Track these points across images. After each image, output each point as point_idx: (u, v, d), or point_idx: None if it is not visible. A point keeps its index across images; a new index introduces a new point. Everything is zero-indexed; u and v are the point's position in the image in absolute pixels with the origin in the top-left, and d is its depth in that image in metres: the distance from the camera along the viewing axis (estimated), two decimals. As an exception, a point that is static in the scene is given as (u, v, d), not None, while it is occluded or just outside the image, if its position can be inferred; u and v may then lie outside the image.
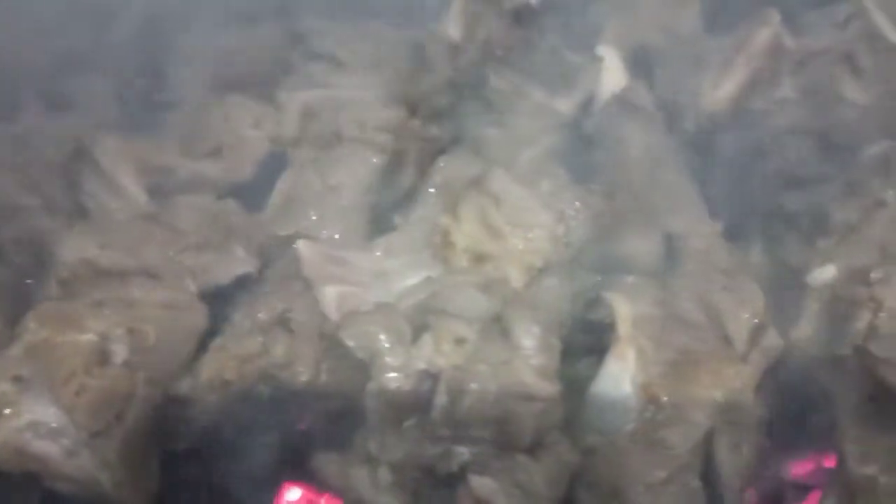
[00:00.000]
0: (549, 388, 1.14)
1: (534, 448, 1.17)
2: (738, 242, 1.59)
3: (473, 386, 1.13)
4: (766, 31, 1.99)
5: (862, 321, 1.25)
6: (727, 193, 1.72)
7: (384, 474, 1.17)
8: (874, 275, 1.30)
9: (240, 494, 1.25)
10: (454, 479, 1.17)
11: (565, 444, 1.19)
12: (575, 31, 2.07)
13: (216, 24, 2.06)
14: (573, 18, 2.10)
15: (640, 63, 2.06)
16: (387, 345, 1.19)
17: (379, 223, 1.60)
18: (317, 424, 1.26)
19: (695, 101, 1.95)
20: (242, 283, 1.47)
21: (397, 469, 1.17)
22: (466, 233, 1.47)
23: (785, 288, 1.46)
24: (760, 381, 1.30)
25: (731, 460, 1.25)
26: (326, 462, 1.19)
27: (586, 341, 1.39)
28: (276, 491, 1.29)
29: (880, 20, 2.09)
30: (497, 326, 1.25)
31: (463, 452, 1.17)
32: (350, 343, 1.19)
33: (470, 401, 1.13)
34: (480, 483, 1.14)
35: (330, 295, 1.40)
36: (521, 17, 1.97)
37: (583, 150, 1.78)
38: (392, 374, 1.17)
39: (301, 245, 1.41)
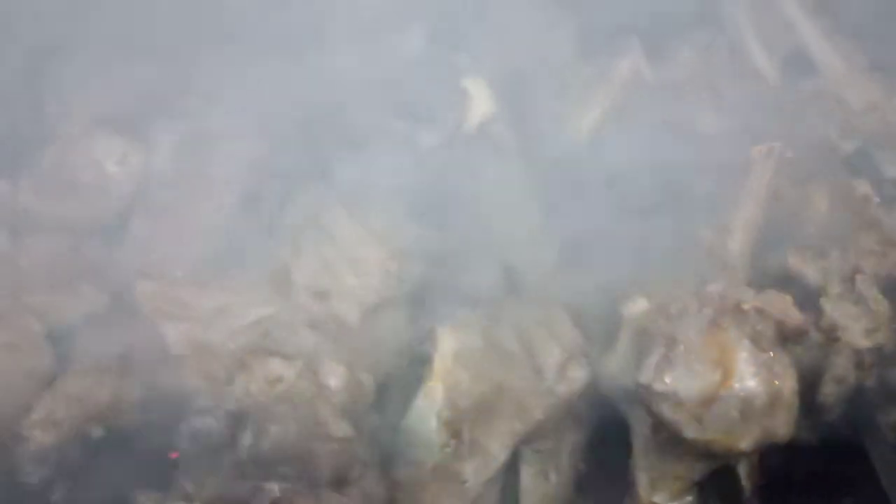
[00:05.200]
0: (344, 428, 1.21)
1: (339, 483, 1.24)
2: (576, 271, 1.66)
3: (274, 427, 1.20)
4: (625, 63, 2.07)
5: (655, 356, 1.32)
6: (573, 224, 1.79)
7: (199, 511, 1.24)
8: (672, 309, 1.37)
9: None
10: (266, 515, 1.24)
11: (370, 479, 1.26)
12: (448, 60, 2.13)
13: (101, 59, 2.11)
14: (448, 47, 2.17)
15: (514, 90, 2.14)
16: (199, 387, 1.25)
17: (234, 258, 1.66)
18: (144, 463, 1.32)
19: (559, 129, 2.03)
20: (91, 322, 1.53)
21: (211, 505, 1.23)
22: (306, 269, 1.54)
23: (610, 317, 1.54)
24: (568, 410, 1.37)
25: (536, 487, 1.33)
26: (146, 501, 1.25)
27: (420, 373, 1.46)
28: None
29: (749, 39, 2.18)
30: (313, 365, 1.32)
31: (273, 489, 1.23)
32: (162, 386, 1.25)
33: (271, 441, 1.20)
34: (284, 517, 1.21)
35: (170, 333, 1.46)
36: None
37: (440, 181, 1.85)
38: (202, 416, 1.23)
39: (140, 284, 1.47)
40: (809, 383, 1.35)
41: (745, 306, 1.31)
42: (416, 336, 1.51)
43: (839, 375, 1.33)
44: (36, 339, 1.44)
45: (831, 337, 1.38)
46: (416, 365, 1.46)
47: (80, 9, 1.99)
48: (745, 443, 1.23)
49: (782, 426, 1.25)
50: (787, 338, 1.30)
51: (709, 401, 1.27)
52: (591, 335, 1.51)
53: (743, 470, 1.29)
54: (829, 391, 1.33)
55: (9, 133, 1.85)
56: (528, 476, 1.33)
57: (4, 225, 1.62)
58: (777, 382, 1.27)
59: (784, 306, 1.31)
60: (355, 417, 1.27)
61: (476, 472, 1.26)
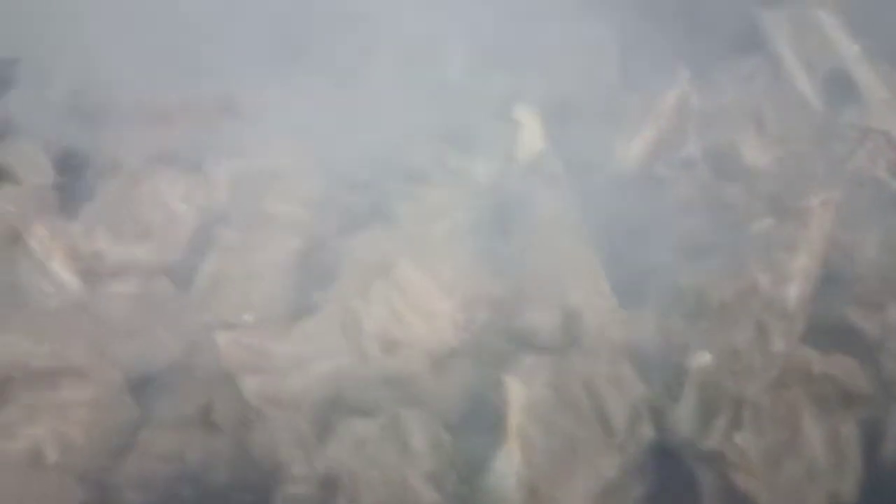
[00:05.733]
0: (433, 495, 1.26)
1: (427, 545, 1.30)
2: (635, 315, 1.70)
3: (366, 496, 1.25)
4: (674, 91, 2.09)
5: (725, 417, 1.38)
6: (629, 263, 1.83)
7: (291, 573, 1.30)
8: (738, 367, 1.42)
9: None
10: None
11: (456, 539, 1.32)
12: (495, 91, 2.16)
13: (153, 87, 2.13)
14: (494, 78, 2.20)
15: (561, 118, 2.16)
16: (291, 453, 1.31)
17: (302, 300, 1.70)
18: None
19: (608, 158, 2.06)
20: (171, 370, 1.58)
21: (303, 567, 1.30)
22: (375, 317, 1.58)
23: (672, 366, 1.58)
24: (638, 464, 1.43)
25: (609, 542, 1.39)
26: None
27: (490, 421, 1.51)
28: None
29: (793, 67, 2.20)
30: (396, 425, 1.37)
31: (364, 555, 1.29)
32: (256, 452, 1.31)
33: (364, 509, 1.25)
34: (376, 579, 1.28)
35: (250, 385, 1.51)
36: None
37: (495, 217, 1.88)
38: (297, 484, 1.29)
39: (220, 336, 1.51)
40: (870, 440, 1.40)
41: (814, 369, 1.35)
42: (483, 385, 1.55)
43: (901, 434, 1.39)
44: (119, 393, 1.49)
45: (891, 393, 1.43)
46: (485, 415, 1.51)
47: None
48: (814, 506, 1.29)
49: (848, 487, 1.31)
50: (851, 402, 1.35)
51: (778, 462, 1.32)
52: (654, 383, 1.55)
53: (807, 528, 1.35)
54: (891, 449, 1.38)
55: (74, 173, 1.88)
56: (601, 531, 1.39)
57: (79, 270, 1.66)
58: (843, 445, 1.32)
59: (850, 372, 1.35)
60: (437, 477, 1.32)
61: (556, 532, 1.32)
